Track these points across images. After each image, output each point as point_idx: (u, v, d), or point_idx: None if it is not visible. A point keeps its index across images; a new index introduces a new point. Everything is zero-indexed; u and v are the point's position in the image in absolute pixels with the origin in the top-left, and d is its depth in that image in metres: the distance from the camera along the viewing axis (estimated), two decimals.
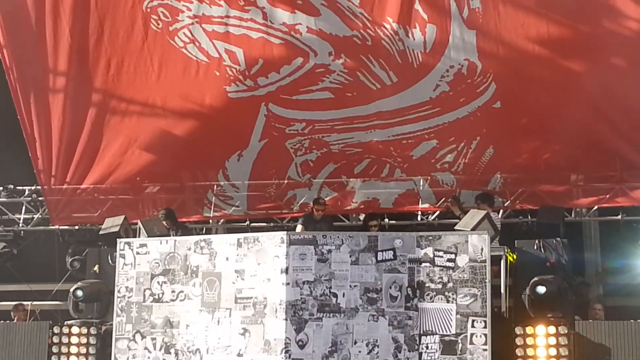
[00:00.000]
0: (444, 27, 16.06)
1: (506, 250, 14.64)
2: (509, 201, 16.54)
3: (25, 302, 17.21)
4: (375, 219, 15.96)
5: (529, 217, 16.48)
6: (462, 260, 14.09)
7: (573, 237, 15.98)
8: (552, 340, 13.89)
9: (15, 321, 16.59)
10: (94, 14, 16.73)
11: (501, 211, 16.65)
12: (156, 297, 14.85)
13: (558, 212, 15.71)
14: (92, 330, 15.33)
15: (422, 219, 16.91)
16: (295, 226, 16.14)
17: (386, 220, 17.24)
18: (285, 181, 17.20)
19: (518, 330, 14.05)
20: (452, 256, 14.14)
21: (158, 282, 14.89)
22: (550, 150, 16.29)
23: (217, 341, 14.42)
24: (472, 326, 13.86)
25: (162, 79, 16.98)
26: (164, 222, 16.26)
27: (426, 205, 16.94)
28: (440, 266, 14.14)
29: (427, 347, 13.91)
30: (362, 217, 17.02)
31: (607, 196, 16.20)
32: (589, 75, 15.82)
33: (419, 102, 16.52)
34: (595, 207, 16.53)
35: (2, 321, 16.25)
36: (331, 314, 14.17)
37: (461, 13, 15.94)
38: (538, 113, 16.15)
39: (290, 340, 14.06)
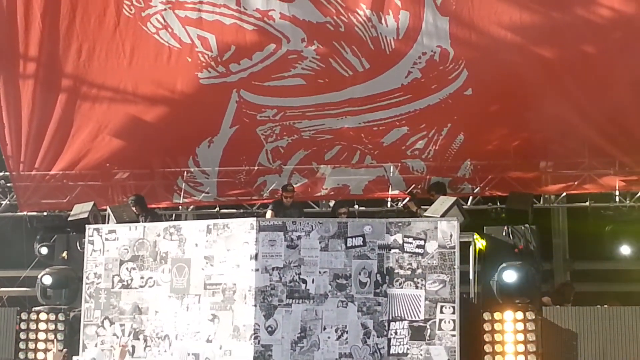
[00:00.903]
0: (418, 13, 16.05)
1: (476, 237, 14.66)
2: (478, 188, 16.57)
3: None
4: (344, 206, 15.95)
5: (498, 203, 16.51)
6: (432, 247, 14.13)
7: (541, 223, 16.05)
8: (520, 326, 13.99)
9: None
10: None
11: (471, 197, 16.67)
12: (125, 283, 14.81)
13: (527, 199, 15.78)
14: (60, 317, 15.30)
15: (392, 206, 16.92)
16: (265, 213, 16.12)
17: (356, 206, 17.23)
18: (256, 168, 17.17)
19: (486, 316, 14.14)
20: (422, 242, 14.16)
21: (127, 269, 14.86)
22: (520, 137, 16.32)
23: (186, 327, 14.40)
24: (441, 312, 13.89)
25: (134, 65, 16.90)
26: (134, 208, 16.20)
27: (396, 192, 16.93)
28: (410, 252, 14.16)
29: (396, 333, 13.93)
30: (332, 203, 16.99)
31: (576, 183, 16.26)
32: (560, 62, 15.85)
33: (391, 89, 16.50)
34: (564, 193, 16.59)
35: None
36: (300, 300, 14.17)
37: None
38: (509, 100, 16.16)
39: (259, 326, 14.06)
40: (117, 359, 9.76)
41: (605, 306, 14.40)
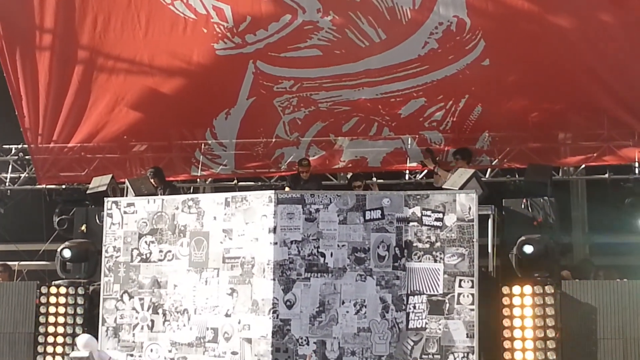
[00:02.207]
0: None
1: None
2: (496, 160, 16.51)
3: (11, 262, 17.18)
4: (359, 179, 15.91)
5: (517, 175, 16.45)
6: (450, 220, 14.08)
7: (560, 195, 15.99)
8: (539, 300, 13.93)
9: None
10: None
11: (489, 170, 16.61)
12: (144, 257, 14.84)
13: (546, 171, 15.69)
14: (80, 291, 15.34)
15: (410, 178, 16.88)
16: (283, 185, 16.09)
17: (374, 179, 17.20)
18: (273, 140, 17.14)
19: (505, 289, 14.08)
20: (440, 215, 14.12)
21: (146, 242, 14.88)
22: (539, 108, 16.22)
23: (205, 301, 14.43)
24: (460, 286, 13.88)
25: (150, 36, 16.83)
26: (152, 181, 16.20)
27: (414, 164, 16.90)
28: (428, 225, 14.13)
29: (414, 307, 13.94)
30: (350, 176, 16.97)
31: (595, 154, 16.15)
32: (578, 31, 15.70)
33: (408, 60, 16.41)
34: (583, 165, 16.50)
35: None
36: (319, 274, 14.17)
37: None
38: (527, 71, 16.05)
39: (278, 300, 14.07)
40: None
41: (625, 280, 14.36)
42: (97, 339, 14.51)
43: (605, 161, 16.21)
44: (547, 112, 16.18)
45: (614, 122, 15.93)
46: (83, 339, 10.25)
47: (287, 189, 15.67)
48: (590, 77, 15.87)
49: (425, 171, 16.54)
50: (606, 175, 16.49)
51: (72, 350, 14.50)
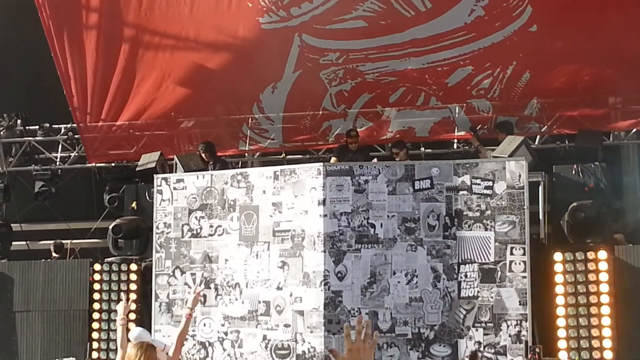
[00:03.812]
0: None
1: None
2: (546, 126, 16.35)
3: (64, 241, 17.34)
4: (397, 146, 15.81)
5: (567, 142, 16.30)
6: (500, 187, 13.96)
7: (611, 160, 15.84)
8: (592, 266, 13.79)
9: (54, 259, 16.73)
10: None
11: (538, 136, 16.47)
12: (194, 232, 14.89)
13: (596, 136, 15.53)
14: (132, 267, 15.46)
15: (458, 147, 16.76)
16: (331, 157, 16.06)
17: (422, 149, 17.13)
18: (320, 112, 17.09)
19: (557, 256, 13.96)
20: (490, 183, 14.01)
21: (196, 217, 14.92)
22: (587, 73, 16.05)
23: (256, 275, 14.46)
24: (511, 253, 13.77)
25: (195, 11, 16.87)
26: (204, 155, 16.21)
27: (462, 133, 16.77)
28: (478, 194, 14.02)
29: (466, 276, 13.86)
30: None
31: None
32: None
33: (454, 28, 16.30)
34: (634, 129, 16.30)
35: (43, 259, 16.43)
36: (369, 245, 14.14)
37: None
38: (575, 36, 15.89)
39: (329, 272, 14.07)
40: (189, 304, 9.82)
41: None
42: (150, 314, 14.64)
43: None
44: (596, 76, 16.00)
45: None
46: (135, 333, 10.32)
47: (333, 159, 15.63)
48: (639, 39, 15.64)
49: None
50: None
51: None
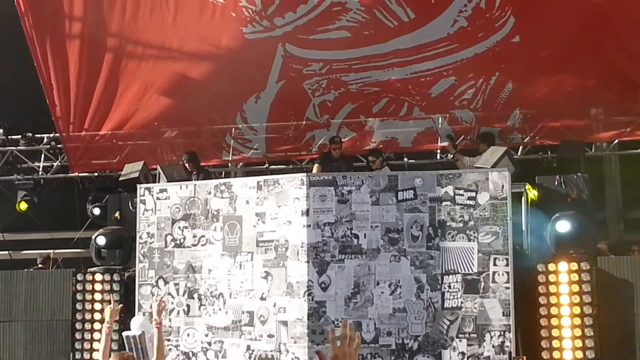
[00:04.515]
0: None
1: (528, 187, 14.54)
2: (528, 137, 16.41)
3: (46, 251, 17.29)
4: (373, 154, 15.81)
5: (549, 152, 16.36)
6: (483, 198, 14.00)
7: (593, 171, 15.91)
8: (575, 277, 13.83)
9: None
10: None
11: (521, 147, 16.53)
12: (178, 242, 14.88)
13: (578, 147, 15.61)
14: (115, 277, 15.43)
15: (441, 158, 16.80)
16: (313, 167, 16.09)
17: (405, 159, 17.17)
18: (304, 122, 17.12)
19: (540, 267, 14.00)
20: (473, 194, 14.05)
21: (179, 227, 14.91)
22: (570, 84, 16.13)
23: (240, 285, 14.46)
24: (494, 264, 13.81)
25: (178, 21, 16.89)
26: (187, 165, 16.20)
27: (445, 144, 16.81)
28: (461, 204, 14.05)
29: (449, 287, 13.89)
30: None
31: (628, 129, 16.04)
32: (609, 4, 15.58)
33: (437, 39, 16.36)
34: (616, 140, 16.37)
35: (26, 269, 16.38)
36: (353, 256, 14.15)
37: None
38: (557, 46, 15.95)
39: (312, 282, 14.07)
40: (155, 315, 9.61)
41: None
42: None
43: (638, 136, 16.09)
44: (578, 88, 16.09)
45: None
46: (139, 319, 10.37)
47: (316, 167, 15.65)
48: (622, 51, 15.81)
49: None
50: None
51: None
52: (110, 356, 9.27)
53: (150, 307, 11.43)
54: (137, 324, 10.09)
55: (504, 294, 13.68)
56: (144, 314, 14.61)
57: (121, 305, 12.12)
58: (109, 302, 14.94)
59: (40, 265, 16.79)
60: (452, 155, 16.11)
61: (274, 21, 16.57)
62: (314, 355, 13.75)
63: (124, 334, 9.83)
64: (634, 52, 15.72)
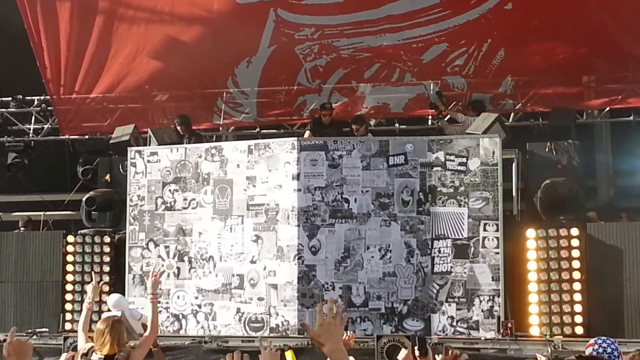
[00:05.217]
0: None
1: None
2: (520, 104, 16.41)
3: (37, 213, 17.28)
4: (356, 122, 15.72)
5: (540, 119, 16.37)
6: (474, 164, 14.06)
7: (584, 139, 15.93)
8: (564, 243, 13.88)
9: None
10: None
11: (512, 114, 16.55)
12: (168, 205, 14.90)
13: (569, 114, 15.61)
14: (106, 239, 15.46)
15: (432, 124, 16.80)
16: (304, 133, 16.09)
17: (396, 125, 17.17)
18: (295, 87, 17.08)
19: (530, 233, 14.04)
20: (464, 160, 14.10)
21: (170, 190, 14.93)
22: (562, 51, 16.10)
23: (230, 248, 14.50)
24: (484, 229, 13.88)
25: None
26: (179, 128, 16.16)
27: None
28: (452, 170, 14.11)
29: (439, 252, 13.96)
30: (372, 122, 16.92)
31: (619, 97, 16.01)
32: None
33: (430, 5, 16.31)
34: (607, 108, 16.36)
35: (16, 231, 16.37)
36: (343, 220, 14.21)
37: None
38: (550, 14, 15.91)
39: (302, 246, 14.13)
40: (150, 290, 9.45)
41: None
42: (124, 286, 14.64)
43: (629, 104, 16.08)
44: (570, 55, 16.06)
45: (639, 64, 15.78)
46: (113, 298, 10.32)
47: (308, 133, 15.65)
48: (614, 19, 15.77)
49: (448, 116, 16.40)
50: (631, 118, 16.35)
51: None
52: (90, 329, 9.29)
53: (146, 279, 11.44)
54: (111, 303, 10.08)
55: (494, 259, 13.75)
56: (133, 277, 14.69)
57: (104, 282, 12.18)
58: (100, 264, 15.14)
59: (22, 229, 16.75)
60: (439, 113, 15.95)
61: None
62: (303, 319, 13.82)
63: (103, 315, 9.81)
64: (625, 20, 15.71)
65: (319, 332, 5.52)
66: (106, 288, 14.20)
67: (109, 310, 10.21)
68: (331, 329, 5.50)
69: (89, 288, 9.85)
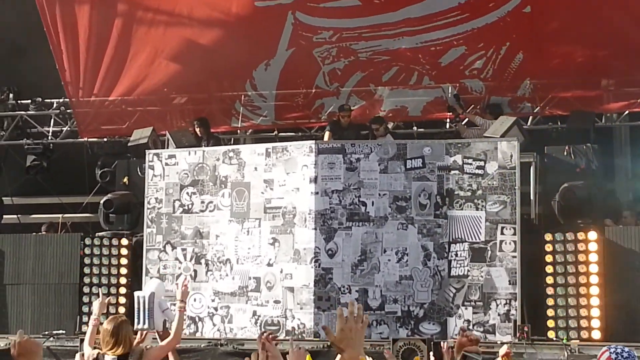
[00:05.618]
0: None
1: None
2: (538, 107, 16.36)
3: (55, 215, 17.33)
4: (376, 122, 15.76)
5: (559, 123, 16.31)
6: (492, 168, 14.02)
7: (603, 142, 15.84)
8: (582, 247, 13.82)
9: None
10: None
11: (531, 117, 16.49)
12: (186, 207, 14.92)
13: (588, 118, 15.56)
14: (123, 242, 15.48)
15: (450, 127, 16.75)
16: (323, 135, 16.07)
17: (414, 128, 17.14)
18: (313, 90, 17.08)
19: (547, 236, 13.98)
20: (482, 163, 14.06)
21: (187, 193, 14.95)
22: (581, 55, 16.04)
23: (247, 251, 14.50)
24: (502, 233, 13.83)
25: None
26: (198, 131, 16.19)
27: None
28: (470, 173, 14.07)
29: (456, 255, 13.92)
30: (390, 125, 16.90)
31: (638, 101, 15.97)
32: None
33: (448, 8, 16.25)
34: (626, 111, 16.32)
35: (34, 233, 16.43)
36: (360, 223, 14.19)
37: None
38: (569, 17, 15.85)
39: (319, 249, 14.12)
40: (179, 297, 9.41)
41: None
42: (141, 289, 14.63)
43: None
44: (589, 58, 15.99)
45: None
46: (154, 282, 10.38)
47: (327, 134, 15.65)
48: (633, 22, 15.68)
49: (466, 120, 16.35)
50: None
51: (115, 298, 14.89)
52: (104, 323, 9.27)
53: (175, 287, 11.43)
54: (151, 286, 10.10)
55: (511, 263, 13.70)
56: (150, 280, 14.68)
57: (109, 298, 12.17)
58: (117, 266, 15.17)
59: (44, 233, 16.81)
60: (456, 115, 15.91)
61: None
62: (320, 322, 13.81)
63: (135, 293, 9.85)
64: None
65: (339, 337, 5.44)
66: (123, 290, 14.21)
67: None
68: (352, 335, 5.43)
69: (95, 304, 9.80)
